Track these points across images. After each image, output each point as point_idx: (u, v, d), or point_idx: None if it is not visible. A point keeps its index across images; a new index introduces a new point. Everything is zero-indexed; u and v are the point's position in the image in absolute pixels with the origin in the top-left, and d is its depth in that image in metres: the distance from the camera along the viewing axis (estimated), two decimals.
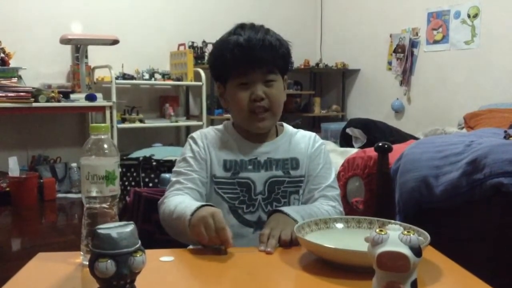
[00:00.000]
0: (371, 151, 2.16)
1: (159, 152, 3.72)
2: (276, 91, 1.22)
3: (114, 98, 4.44)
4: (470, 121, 3.84)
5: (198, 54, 5.27)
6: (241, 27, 1.23)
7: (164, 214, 1.16)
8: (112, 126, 4.38)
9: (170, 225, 1.14)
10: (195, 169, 1.23)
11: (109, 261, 0.67)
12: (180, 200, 1.14)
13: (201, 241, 0.99)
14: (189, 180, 1.21)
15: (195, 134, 1.29)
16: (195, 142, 1.27)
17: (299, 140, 1.30)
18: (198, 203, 1.07)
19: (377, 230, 0.68)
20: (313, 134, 1.34)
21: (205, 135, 1.29)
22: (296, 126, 1.37)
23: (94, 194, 0.90)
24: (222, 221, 0.98)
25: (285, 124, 1.35)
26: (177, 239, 1.17)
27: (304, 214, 1.13)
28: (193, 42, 5.28)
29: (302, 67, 5.92)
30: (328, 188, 1.26)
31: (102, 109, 4.41)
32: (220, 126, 1.32)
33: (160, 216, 1.19)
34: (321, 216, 1.16)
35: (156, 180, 3.37)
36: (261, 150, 1.26)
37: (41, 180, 4.20)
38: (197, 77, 5.01)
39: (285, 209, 1.14)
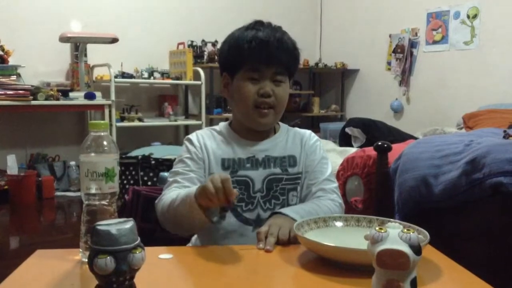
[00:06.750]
0: (370, 151, 2.16)
1: (158, 151, 3.72)
2: (283, 91, 1.24)
3: (113, 97, 4.44)
4: (469, 122, 3.84)
5: (197, 53, 5.27)
6: (260, 23, 1.25)
7: (163, 207, 1.15)
8: (111, 125, 4.38)
9: (172, 214, 1.12)
10: (192, 168, 1.23)
11: (108, 257, 0.67)
12: (181, 190, 1.13)
13: (208, 195, 0.98)
14: (186, 179, 1.21)
15: (191, 136, 1.30)
16: (192, 143, 1.27)
17: (296, 138, 1.32)
18: None
19: (377, 228, 0.67)
20: (308, 131, 1.36)
21: (202, 136, 1.29)
22: (295, 125, 1.38)
23: (93, 191, 0.89)
24: (226, 175, 1.01)
25: (281, 123, 1.36)
26: (177, 232, 1.17)
27: (303, 214, 1.13)
28: (192, 41, 5.27)
29: (302, 66, 5.90)
30: (326, 181, 1.27)
31: (101, 107, 4.40)
32: (216, 127, 1.33)
33: (159, 211, 1.17)
34: (321, 212, 1.16)
35: (155, 179, 3.37)
36: (258, 148, 1.26)
37: (40, 178, 4.19)
38: (196, 76, 5.01)
39: (284, 210, 1.15)
